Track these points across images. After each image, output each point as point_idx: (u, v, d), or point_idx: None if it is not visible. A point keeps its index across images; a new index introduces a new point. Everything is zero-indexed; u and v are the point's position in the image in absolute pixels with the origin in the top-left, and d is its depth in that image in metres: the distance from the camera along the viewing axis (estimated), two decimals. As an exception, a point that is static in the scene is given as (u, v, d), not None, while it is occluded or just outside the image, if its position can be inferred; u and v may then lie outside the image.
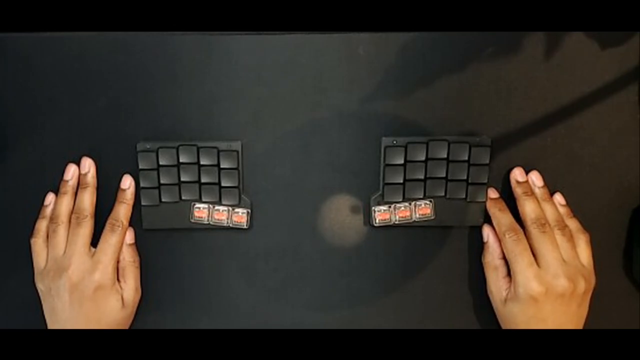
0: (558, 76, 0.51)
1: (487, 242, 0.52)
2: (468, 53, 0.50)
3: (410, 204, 0.51)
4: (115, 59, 0.50)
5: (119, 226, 0.50)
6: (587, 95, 0.51)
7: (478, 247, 0.53)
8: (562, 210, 0.51)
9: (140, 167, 0.51)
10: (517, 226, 0.49)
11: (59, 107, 0.51)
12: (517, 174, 0.51)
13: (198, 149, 0.51)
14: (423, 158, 0.51)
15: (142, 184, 0.51)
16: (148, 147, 0.51)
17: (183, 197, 0.51)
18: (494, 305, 0.51)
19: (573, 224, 0.51)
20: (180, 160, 0.51)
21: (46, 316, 0.50)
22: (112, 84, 0.51)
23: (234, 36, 0.50)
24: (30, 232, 0.52)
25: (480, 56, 0.51)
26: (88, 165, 0.51)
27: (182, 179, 0.51)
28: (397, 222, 0.52)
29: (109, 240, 0.49)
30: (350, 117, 0.51)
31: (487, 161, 0.51)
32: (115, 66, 0.51)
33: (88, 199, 0.50)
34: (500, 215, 0.50)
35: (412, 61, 0.51)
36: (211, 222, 0.52)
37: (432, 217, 0.52)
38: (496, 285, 0.50)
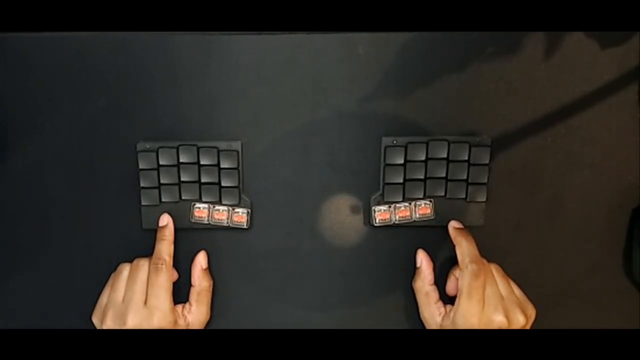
0: (558, 76, 0.51)
1: (419, 267, 0.52)
2: (468, 53, 0.50)
3: (410, 203, 0.51)
4: (115, 59, 0.50)
5: (162, 264, 0.49)
6: (587, 95, 0.51)
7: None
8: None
9: (140, 167, 0.51)
10: (481, 259, 0.49)
11: (59, 107, 0.51)
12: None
13: (198, 148, 0.51)
14: (423, 158, 0.51)
15: (142, 184, 0.51)
16: (148, 147, 0.51)
17: (183, 197, 0.51)
18: (428, 328, 0.51)
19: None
20: (180, 160, 0.51)
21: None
22: (112, 84, 0.51)
23: (234, 36, 0.50)
24: (30, 231, 0.52)
25: (480, 56, 0.51)
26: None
27: (182, 179, 0.51)
28: (397, 222, 0.52)
29: (156, 282, 0.48)
30: (350, 117, 0.51)
31: (487, 161, 0.51)
32: (115, 66, 0.51)
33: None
34: (466, 245, 0.49)
35: (412, 61, 0.51)
36: (211, 222, 0.52)
37: (432, 217, 0.52)
38: (429, 310, 0.50)
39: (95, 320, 0.49)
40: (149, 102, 0.51)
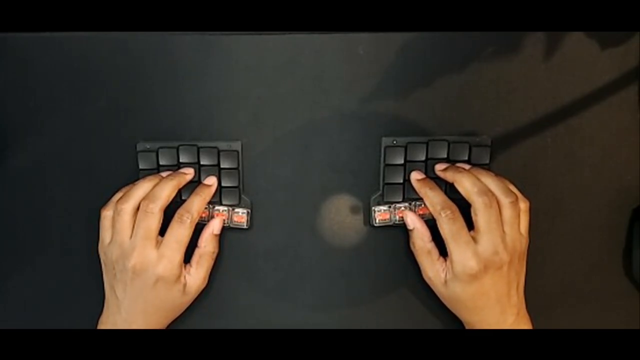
0: (558, 76, 0.51)
1: (413, 228, 0.50)
2: (468, 53, 0.51)
3: (410, 204, 0.51)
4: (115, 59, 0.50)
5: (188, 218, 0.47)
6: (587, 95, 0.51)
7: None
8: (501, 179, 0.49)
9: (140, 167, 0.51)
10: (452, 203, 0.47)
11: (59, 107, 0.51)
12: (438, 166, 0.50)
13: (198, 149, 0.51)
14: (423, 158, 0.51)
15: (142, 184, 0.51)
16: (148, 147, 0.51)
17: (183, 197, 0.51)
18: (435, 289, 0.50)
19: (514, 191, 0.48)
20: (181, 160, 0.51)
21: (105, 285, 0.49)
22: (112, 84, 0.51)
23: (234, 36, 0.50)
24: (30, 231, 0.52)
25: (480, 56, 0.51)
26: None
27: (182, 179, 0.51)
28: (397, 222, 0.52)
29: (176, 233, 0.47)
30: (350, 117, 0.52)
31: (487, 161, 0.51)
32: (115, 66, 0.51)
33: (168, 190, 0.48)
34: (433, 194, 0.48)
35: (412, 61, 0.51)
36: (211, 222, 0.52)
37: (432, 217, 0.52)
38: (433, 269, 0.49)
39: (103, 256, 0.48)
40: (149, 102, 0.51)
